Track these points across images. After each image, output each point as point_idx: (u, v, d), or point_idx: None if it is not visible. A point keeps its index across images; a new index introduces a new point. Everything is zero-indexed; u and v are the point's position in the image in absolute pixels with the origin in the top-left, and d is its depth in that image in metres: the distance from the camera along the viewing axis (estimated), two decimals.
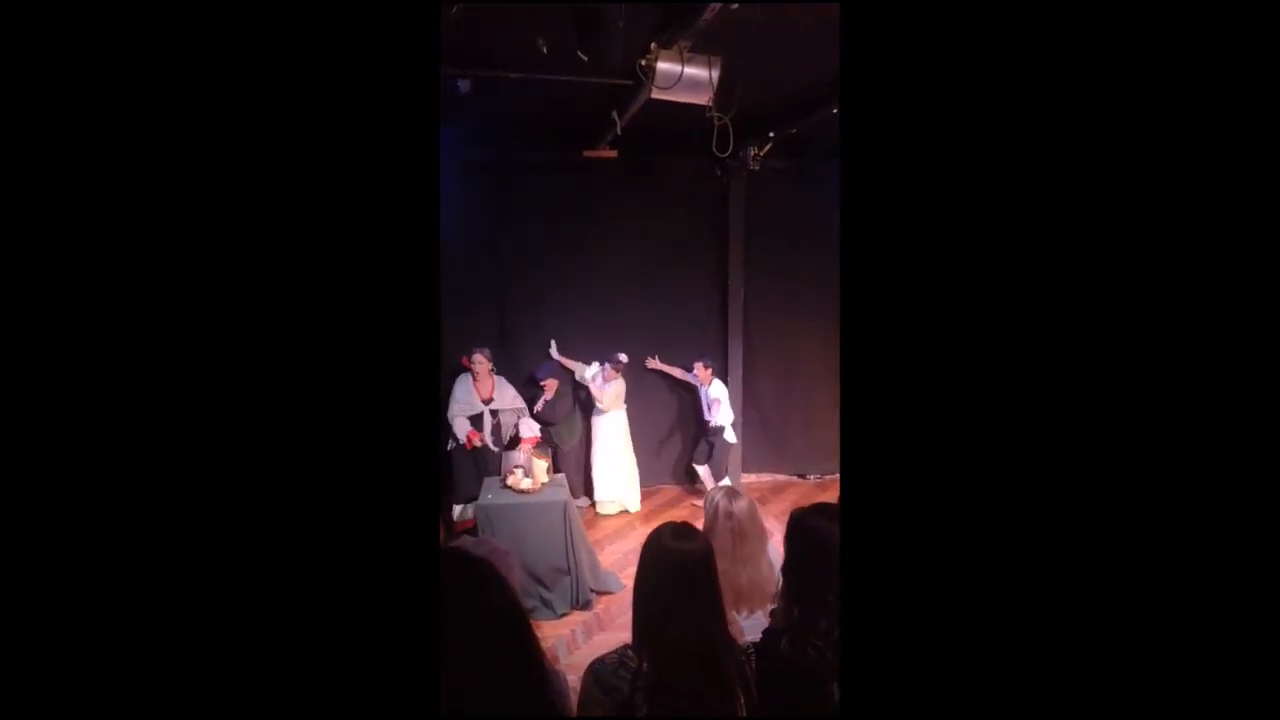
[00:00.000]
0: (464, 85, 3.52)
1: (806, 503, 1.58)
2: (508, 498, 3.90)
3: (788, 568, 1.45)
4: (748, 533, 1.89)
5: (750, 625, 1.77)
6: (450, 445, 4.68)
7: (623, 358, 5.16)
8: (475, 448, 4.62)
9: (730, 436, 5.37)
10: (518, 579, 2.17)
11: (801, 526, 1.44)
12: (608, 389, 5.16)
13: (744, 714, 1.26)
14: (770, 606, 1.80)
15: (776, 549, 2.06)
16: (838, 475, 5.69)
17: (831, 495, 1.87)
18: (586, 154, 4.78)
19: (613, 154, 4.73)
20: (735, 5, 2.53)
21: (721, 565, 1.55)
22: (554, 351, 5.28)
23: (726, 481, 5.16)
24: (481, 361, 4.65)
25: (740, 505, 1.93)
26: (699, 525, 1.65)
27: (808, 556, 1.40)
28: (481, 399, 4.65)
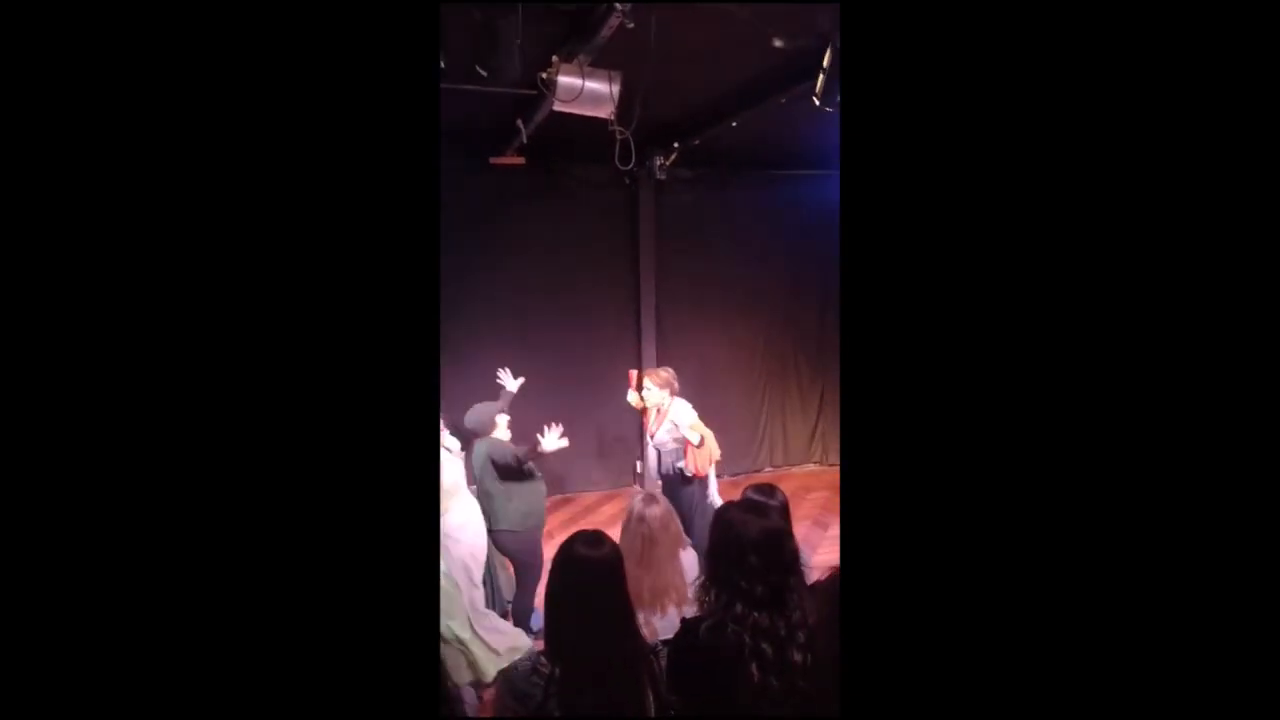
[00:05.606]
0: None
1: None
2: None
3: (708, 556, 1.54)
4: (658, 537, 1.95)
5: (666, 625, 1.83)
6: None
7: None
8: None
9: None
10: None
11: (723, 518, 1.54)
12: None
13: (652, 713, 1.32)
14: (686, 606, 1.87)
15: (693, 553, 2.13)
16: (752, 473, 5.92)
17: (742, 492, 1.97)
18: (493, 161, 4.74)
19: (520, 161, 4.70)
20: (623, 8, 2.46)
21: (632, 569, 1.61)
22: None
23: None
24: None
25: (653, 511, 1.99)
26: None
27: (724, 546, 1.48)
28: None
